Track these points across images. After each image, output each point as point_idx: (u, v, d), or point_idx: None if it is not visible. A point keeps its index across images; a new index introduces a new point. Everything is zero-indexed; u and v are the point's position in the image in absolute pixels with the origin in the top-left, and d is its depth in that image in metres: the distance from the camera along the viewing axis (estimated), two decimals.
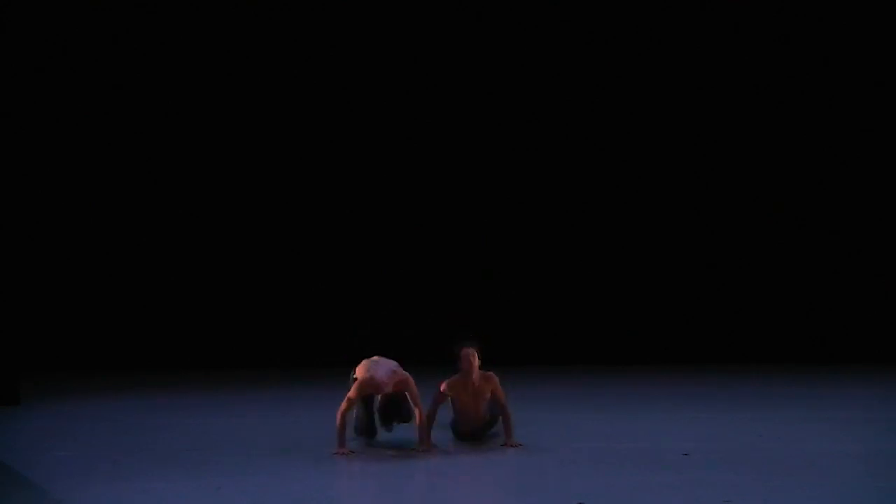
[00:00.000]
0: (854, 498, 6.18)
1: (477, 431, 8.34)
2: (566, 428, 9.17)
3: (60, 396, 12.09)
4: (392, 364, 8.06)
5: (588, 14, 16.22)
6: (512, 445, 8.00)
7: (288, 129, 16.28)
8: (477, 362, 8.14)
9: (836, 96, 16.07)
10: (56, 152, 15.94)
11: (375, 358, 8.16)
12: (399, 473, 7.26)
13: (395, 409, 7.94)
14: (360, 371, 8.03)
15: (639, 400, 11.37)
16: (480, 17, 16.19)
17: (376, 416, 8.12)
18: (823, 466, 7.11)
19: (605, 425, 9.34)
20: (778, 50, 16.13)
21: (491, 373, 8.19)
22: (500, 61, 16.28)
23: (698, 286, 16.21)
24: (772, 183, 16.25)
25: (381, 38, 16.18)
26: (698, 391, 12.39)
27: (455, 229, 16.18)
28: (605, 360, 15.80)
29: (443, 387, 8.18)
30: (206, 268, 16.22)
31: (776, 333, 15.96)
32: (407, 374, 8.00)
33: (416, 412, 7.94)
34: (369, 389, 7.95)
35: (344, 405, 7.85)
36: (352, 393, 7.90)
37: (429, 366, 14.92)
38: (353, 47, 16.18)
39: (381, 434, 8.28)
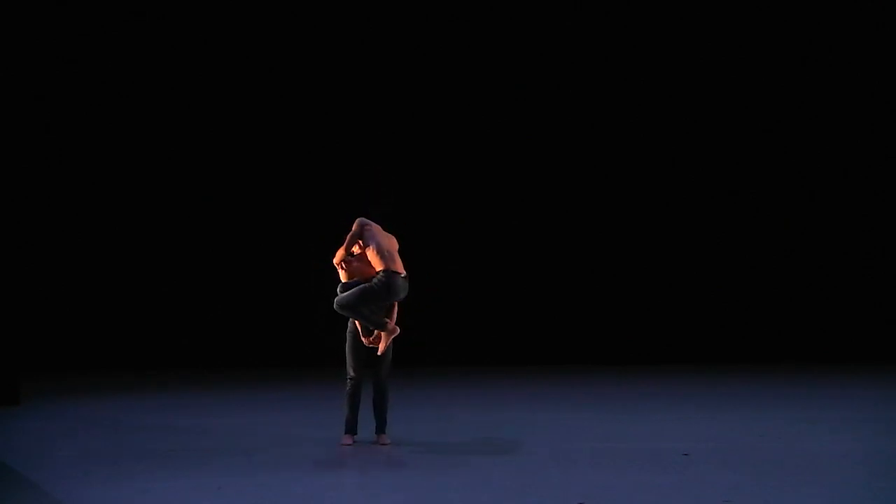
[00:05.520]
0: (854, 498, 6.17)
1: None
2: (566, 428, 9.16)
3: (60, 396, 12.09)
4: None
5: (594, 18, 16.24)
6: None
7: (288, 129, 16.28)
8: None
9: (835, 98, 16.10)
10: (55, 153, 15.94)
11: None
12: (399, 473, 7.26)
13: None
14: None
15: (639, 400, 11.36)
16: (481, 17, 16.20)
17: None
18: (823, 466, 7.11)
19: (605, 425, 9.33)
20: (780, 53, 16.16)
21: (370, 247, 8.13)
22: (497, 62, 16.28)
23: (698, 286, 16.22)
24: (772, 183, 16.27)
25: (375, 38, 16.18)
26: (698, 391, 12.39)
27: (456, 230, 16.18)
28: (605, 360, 15.80)
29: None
30: (206, 268, 16.22)
31: (776, 333, 15.97)
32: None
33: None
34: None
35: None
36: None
37: (428, 366, 15.02)
38: (346, 53, 16.18)
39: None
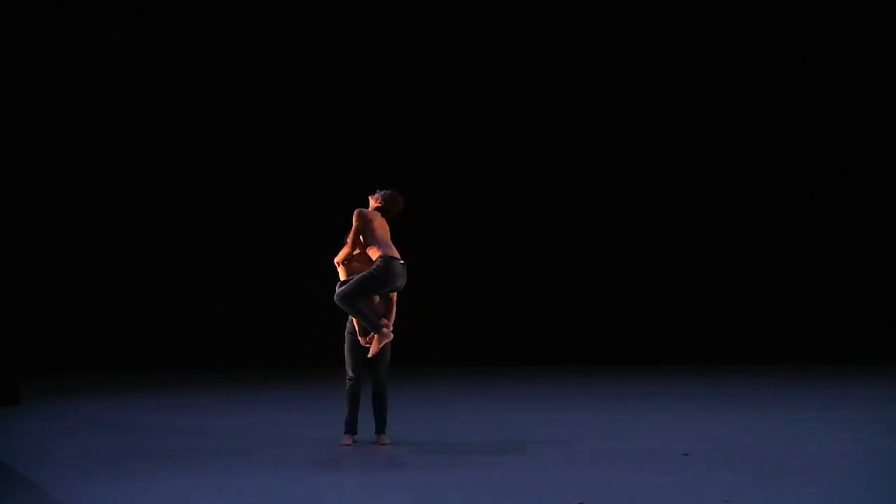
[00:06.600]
0: (854, 498, 6.17)
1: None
2: (566, 428, 9.15)
3: (60, 396, 12.09)
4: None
5: (594, 18, 16.24)
6: None
7: (288, 129, 16.28)
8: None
9: (835, 98, 16.10)
10: (56, 153, 15.94)
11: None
12: (399, 473, 7.25)
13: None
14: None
15: (639, 400, 11.36)
16: (481, 17, 16.20)
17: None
18: (823, 466, 7.10)
19: (605, 425, 9.33)
20: (780, 53, 16.17)
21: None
22: (497, 62, 16.28)
23: (698, 286, 16.22)
24: (772, 183, 16.28)
25: (375, 38, 16.18)
26: (698, 391, 12.39)
27: (456, 230, 16.18)
28: (605, 360, 15.81)
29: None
30: (206, 268, 16.22)
31: (776, 333, 15.98)
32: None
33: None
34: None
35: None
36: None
37: (429, 366, 15.02)
38: (346, 53, 16.18)
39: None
